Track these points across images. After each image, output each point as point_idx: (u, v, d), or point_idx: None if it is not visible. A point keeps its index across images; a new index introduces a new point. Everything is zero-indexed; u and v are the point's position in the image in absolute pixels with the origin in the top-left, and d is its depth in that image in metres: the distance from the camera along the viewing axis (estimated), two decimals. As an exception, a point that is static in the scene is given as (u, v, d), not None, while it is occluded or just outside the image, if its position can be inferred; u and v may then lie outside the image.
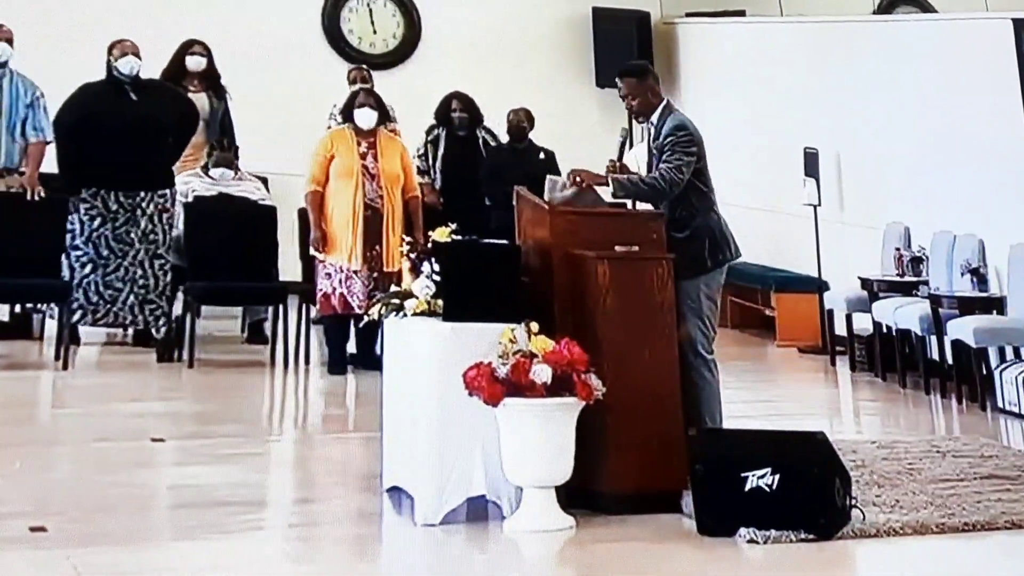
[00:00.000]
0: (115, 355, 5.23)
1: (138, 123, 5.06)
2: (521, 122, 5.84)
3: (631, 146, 3.60)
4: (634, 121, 3.84)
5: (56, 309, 4.98)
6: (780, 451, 2.97)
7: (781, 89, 6.54)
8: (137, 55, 5.14)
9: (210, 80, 5.75)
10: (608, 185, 3.36)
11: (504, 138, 5.97)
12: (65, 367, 4.81)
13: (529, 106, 6.05)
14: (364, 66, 6.30)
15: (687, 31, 7.32)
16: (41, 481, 3.38)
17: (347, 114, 5.02)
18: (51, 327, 5.10)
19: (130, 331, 5.32)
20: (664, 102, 3.49)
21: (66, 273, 5.07)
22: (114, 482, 3.35)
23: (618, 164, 3.48)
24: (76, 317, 5.03)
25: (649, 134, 3.52)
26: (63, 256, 5.06)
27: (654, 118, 3.47)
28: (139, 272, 5.09)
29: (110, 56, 5.14)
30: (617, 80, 3.55)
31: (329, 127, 5.79)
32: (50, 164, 5.26)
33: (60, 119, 5.13)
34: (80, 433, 3.96)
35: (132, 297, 5.07)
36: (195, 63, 5.75)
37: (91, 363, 5.10)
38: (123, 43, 5.15)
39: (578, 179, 3.36)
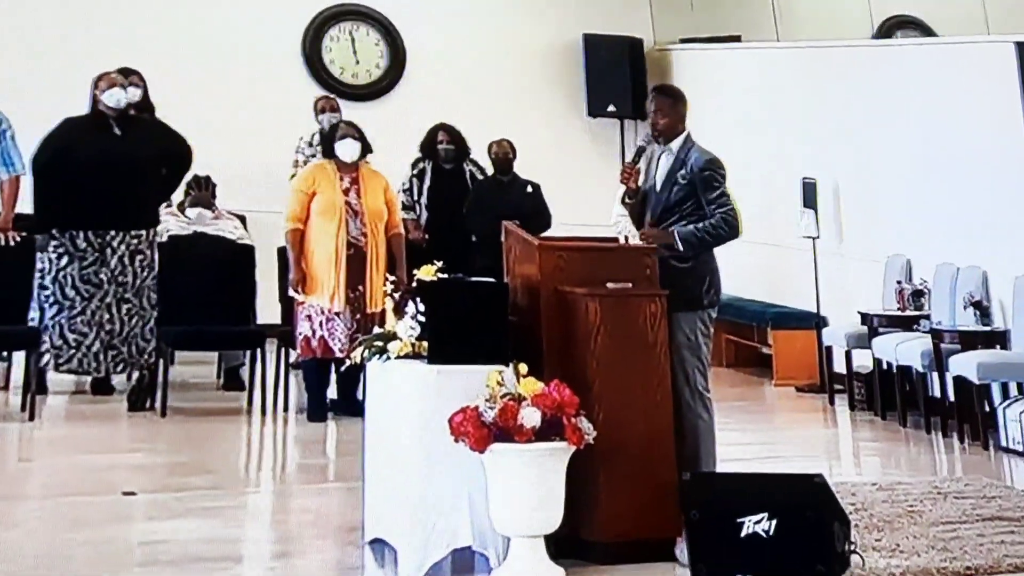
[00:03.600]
0: (84, 404, 5.25)
1: (116, 159, 5.09)
2: (507, 153, 5.92)
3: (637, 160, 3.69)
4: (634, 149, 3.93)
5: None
6: (777, 495, 3.02)
7: (778, 117, 6.66)
8: (124, 88, 5.18)
9: (145, 111, 5.71)
10: (676, 243, 3.44)
11: (490, 170, 6.06)
12: (32, 417, 4.82)
13: (518, 137, 6.17)
14: (332, 95, 6.38)
15: (681, 58, 7.49)
16: (7, 538, 3.39)
17: (328, 148, 5.08)
18: (18, 375, 5.13)
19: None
20: (687, 133, 3.60)
21: (35, 316, 5.09)
22: (83, 539, 3.37)
23: (635, 169, 3.59)
24: (44, 360, 5.04)
25: (657, 158, 3.62)
26: (33, 298, 5.09)
27: (674, 145, 3.59)
28: (106, 316, 5.10)
29: (95, 89, 5.18)
30: (651, 95, 3.69)
31: (296, 162, 5.88)
32: (24, 204, 5.31)
33: (37, 154, 5.17)
34: (47, 487, 3.98)
35: (98, 343, 5.08)
36: (130, 94, 5.83)
37: (59, 413, 5.11)
38: (109, 75, 5.19)
39: (649, 241, 3.44)
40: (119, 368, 5.21)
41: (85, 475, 4.10)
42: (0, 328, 4.96)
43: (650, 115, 3.64)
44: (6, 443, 4.64)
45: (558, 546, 3.11)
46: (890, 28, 7.32)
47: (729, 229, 3.51)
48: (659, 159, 3.65)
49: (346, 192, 4.95)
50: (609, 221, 3.57)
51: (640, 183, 3.62)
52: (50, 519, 3.59)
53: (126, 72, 5.68)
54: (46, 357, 5.06)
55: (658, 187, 3.61)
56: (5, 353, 5.36)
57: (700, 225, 3.52)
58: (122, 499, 3.83)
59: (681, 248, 3.48)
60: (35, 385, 4.93)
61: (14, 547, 3.31)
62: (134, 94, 5.58)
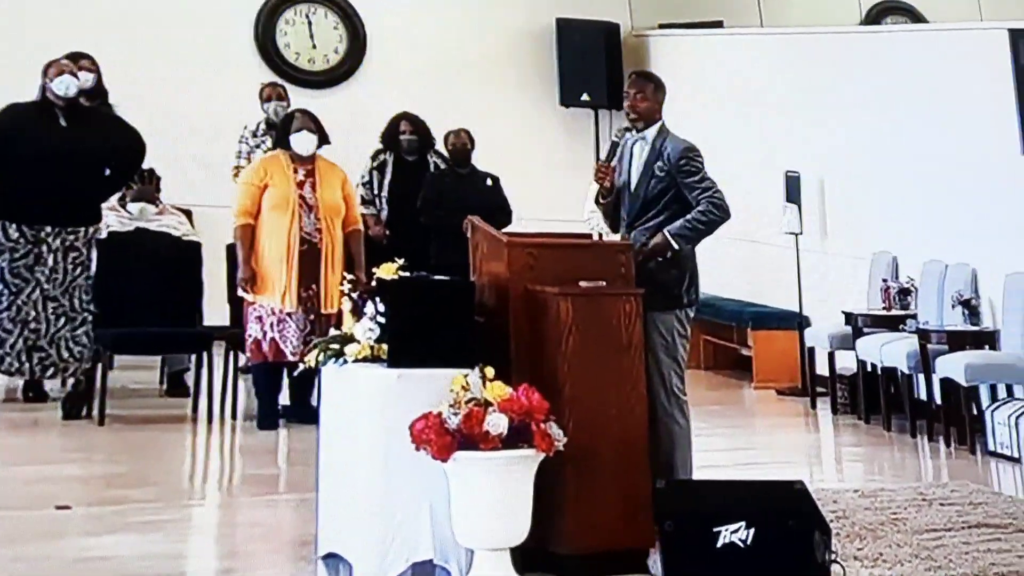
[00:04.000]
0: (14, 412, 5.18)
1: (59, 151, 5.02)
2: (465, 144, 5.91)
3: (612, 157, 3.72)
4: (608, 140, 3.93)
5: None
6: (755, 503, 3.07)
7: (760, 107, 6.71)
8: (75, 75, 5.11)
9: (99, 97, 5.69)
10: (671, 244, 3.47)
11: None
12: None
13: (486, 127, 6.20)
14: (280, 82, 6.33)
15: (659, 44, 7.52)
16: (-66, 554, 3.36)
17: (282, 139, 5.05)
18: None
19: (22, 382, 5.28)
20: (662, 122, 3.63)
21: None
22: (14, 555, 3.34)
23: (609, 167, 3.61)
24: None
25: (631, 146, 3.64)
26: None
27: (649, 134, 3.62)
28: (31, 314, 5.03)
29: (45, 77, 5.11)
30: (630, 78, 3.72)
31: (239, 152, 5.84)
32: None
33: None
34: (-25, 502, 3.94)
35: (21, 342, 5.01)
36: (82, 79, 5.79)
37: (-13, 421, 5.06)
38: (59, 63, 5.13)
39: (646, 252, 3.46)
40: (46, 373, 5.15)
41: (16, 488, 4.06)
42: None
43: (628, 99, 3.66)
44: (-66, 454, 4.60)
45: (525, 559, 3.13)
46: (879, 14, 7.44)
47: (720, 212, 3.53)
48: (632, 149, 3.66)
49: (300, 185, 4.93)
50: (582, 217, 3.61)
51: (615, 180, 3.64)
52: (-21, 535, 3.56)
53: (76, 56, 5.63)
54: None
55: (633, 182, 3.62)
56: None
57: (689, 216, 3.53)
58: (56, 513, 3.79)
59: (677, 247, 3.50)
60: None
61: (-58, 564, 3.29)
62: (86, 79, 5.53)
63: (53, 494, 3.96)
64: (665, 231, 3.52)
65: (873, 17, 7.45)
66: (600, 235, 3.62)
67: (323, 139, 5.05)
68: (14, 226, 5.06)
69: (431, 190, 5.87)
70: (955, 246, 5.32)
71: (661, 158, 3.59)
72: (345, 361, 3.30)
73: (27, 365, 5.10)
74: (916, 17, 7.44)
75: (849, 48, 6.31)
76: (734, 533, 3.04)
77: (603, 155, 3.84)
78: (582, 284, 3.32)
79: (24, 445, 4.68)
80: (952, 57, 5.56)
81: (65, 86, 5.07)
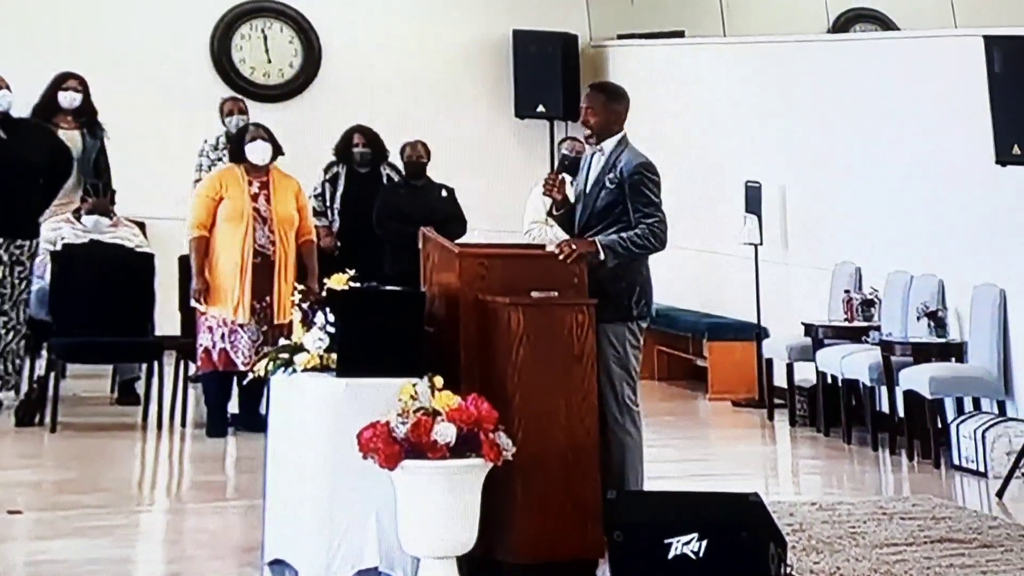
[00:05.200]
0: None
1: (2, 164, 5.13)
2: (420, 157, 5.99)
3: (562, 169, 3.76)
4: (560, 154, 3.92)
5: None
6: (708, 514, 3.09)
7: (722, 117, 6.76)
8: (8, 88, 5.22)
9: (86, 117, 5.82)
10: (599, 253, 3.44)
11: None
12: None
13: (441, 139, 6.29)
14: (240, 96, 6.45)
15: (618, 55, 7.58)
16: None
17: (237, 151, 5.14)
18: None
19: None
20: (623, 134, 3.64)
21: None
22: None
23: (559, 179, 3.62)
24: None
25: (589, 161, 3.65)
26: None
27: (607, 146, 3.60)
28: None
29: None
30: (585, 92, 3.70)
31: (200, 165, 5.90)
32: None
33: None
34: (-72, 506, 3.99)
35: None
36: (68, 99, 5.87)
37: (-59, 429, 5.13)
38: None
39: (568, 250, 3.45)
40: None
41: None
42: None
43: (582, 112, 3.68)
44: None
45: (471, 567, 3.19)
46: (847, 22, 7.41)
47: (656, 242, 3.52)
48: (591, 161, 3.70)
49: (255, 198, 5.03)
50: (522, 230, 3.65)
51: (572, 191, 3.67)
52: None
53: (65, 77, 5.79)
54: None
55: (587, 192, 3.66)
56: None
57: (625, 234, 3.53)
58: (7, 518, 3.87)
59: (603, 257, 3.50)
60: None
61: None
62: (75, 99, 5.71)
63: (5, 499, 4.03)
64: (597, 239, 3.54)
65: (841, 25, 7.47)
66: (544, 246, 3.64)
67: (277, 150, 5.15)
68: None
69: (385, 203, 5.96)
70: (921, 257, 5.37)
71: (614, 170, 3.59)
72: (294, 370, 3.37)
73: None
74: (887, 25, 7.44)
75: (815, 57, 6.36)
76: (686, 545, 3.06)
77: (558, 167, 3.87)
78: (534, 294, 3.39)
79: (-24, 452, 4.75)
80: (923, 65, 5.60)
81: (8, 101, 5.18)
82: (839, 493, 4.62)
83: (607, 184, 3.60)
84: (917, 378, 4.92)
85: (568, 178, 3.74)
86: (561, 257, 3.46)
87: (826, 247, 6.03)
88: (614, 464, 3.54)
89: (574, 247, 3.49)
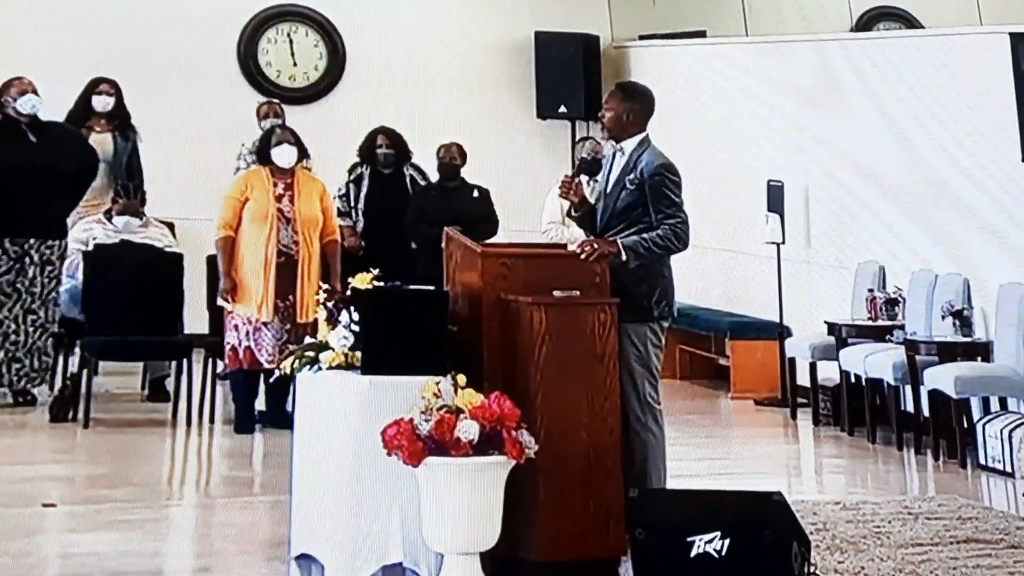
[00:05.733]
0: (4, 415, 5.33)
1: (34, 166, 5.25)
2: (454, 159, 6.03)
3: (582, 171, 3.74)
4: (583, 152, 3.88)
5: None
6: (731, 513, 3.07)
7: (744, 116, 6.73)
8: (36, 93, 5.33)
9: (119, 120, 5.92)
10: (620, 254, 3.44)
11: (433, 175, 6.16)
12: None
13: (464, 140, 6.24)
14: (276, 100, 6.55)
15: (640, 55, 7.57)
16: (-75, 550, 3.49)
17: (263, 154, 5.21)
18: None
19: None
20: (644, 134, 3.63)
21: None
22: (3, 550, 3.47)
23: (574, 181, 3.61)
24: None
25: (611, 161, 3.66)
26: None
27: (627, 146, 3.60)
28: (12, 327, 5.25)
29: (7, 95, 5.33)
30: (611, 91, 3.68)
31: (238, 168, 5.99)
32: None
33: None
34: (-34, 499, 4.08)
35: (1, 353, 5.23)
36: (102, 103, 5.98)
37: (-23, 424, 5.24)
38: (21, 81, 5.36)
39: (590, 249, 3.44)
40: (21, 382, 5.35)
41: (5, 486, 4.21)
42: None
43: (602, 112, 3.68)
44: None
45: (494, 564, 3.20)
46: (870, 20, 7.32)
47: (678, 242, 3.51)
48: (612, 161, 3.69)
49: (279, 199, 5.09)
50: (540, 230, 3.64)
51: (593, 193, 3.67)
52: (-30, 530, 3.69)
53: (98, 81, 5.91)
54: None
55: (608, 192, 3.66)
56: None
57: (647, 235, 3.52)
58: (42, 511, 3.95)
59: (624, 258, 3.49)
60: None
61: (-68, 560, 3.41)
62: (107, 103, 5.84)
63: (40, 493, 4.13)
64: (619, 239, 3.53)
65: (864, 23, 7.40)
66: (565, 246, 3.63)
67: (302, 153, 5.22)
68: None
69: (416, 206, 6.01)
70: (946, 255, 5.32)
71: (635, 171, 3.58)
72: (320, 368, 3.39)
73: (6, 377, 5.30)
74: (911, 23, 7.33)
75: (837, 56, 6.32)
76: (708, 543, 3.04)
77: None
78: (556, 294, 3.38)
79: (13, 446, 4.84)
80: (948, 63, 5.55)
81: (31, 104, 5.28)
82: (863, 493, 4.60)
83: (627, 185, 3.59)
84: (942, 377, 4.88)
85: (586, 179, 3.72)
86: (583, 256, 3.46)
87: (849, 246, 6.00)
88: (636, 463, 3.53)
89: (596, 246, 3.48)
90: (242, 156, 6.13)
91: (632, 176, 3.58)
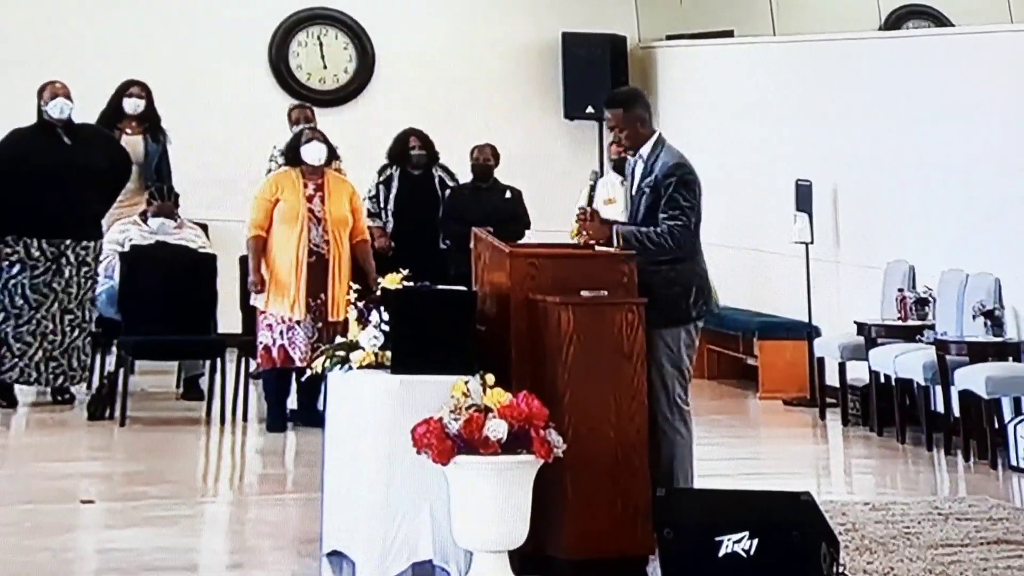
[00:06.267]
0: (44, 413, 5.44)
1: (68, 168, 5.34)
2: (487, 160, 6.09)
3: (600, 175, 3.73)
4: (611, 155, 3.88)
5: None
6: (759, 513, 3.06)
7: (771, 115, 6.68)
8: (69, 97, 5.43)
9: (149, 123, 6.00)
10: (613, 240, 3.45)
11: (462, 176, 6.20)
12: None
13: (492, 140, 6.29)
14: (307, 104, 6.60)
15: (667, 55, 7.53)
16: (-33, 545, 3.55)
17: (293, 155, 5.25)
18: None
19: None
20: (656, 135, 3.60)
21: None
22: (42, 545, 3.54)
23: (588, 211, 3.59)
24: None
25: (631, 170, 3.64)
26: None
27: (644, 151, 3.58)
28: (50, 327, 5.34)
29: (40, 99, 5.43)
30: (605, 110, 3.65)
31: (269, 170, 6.06)
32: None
33: None
34: (7, 495, 4.15)
35: (40, 352, 5.31)
36: (132, 105, 6.06)
37: (20, 421, 5.32)
38: (54, 85, 5.44)
39: (584, 237, 3.45)
40: (59, 380, 5.44)
41: (44, 483, 4.29)
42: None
43: (612, 134, 3.64)
44: (-32, 451, 4.85)
45: (522, 562, 3.21)
46: (899, 19, 7.25)
47: (672, 242, 3.47)
48: (634, 168, 3.67)
49: (309, 199, 5.14)
50: (571, 232, 3.63)
51: (623, 192, 3.67)
52: (9, 526, 3.75)
53: (129, 84, 6.00)
54: (6, 365, 5.27)
55: (632, 198, 3.65)
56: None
57: (644, 229, 3.49)
58: (80, 507, 4.02)
59: (617, 244, 3.46)
60: (0, 397, 5.17)
61: (-27, 553, 3.47)
62: (138, 105, 5.92)
63: (78, 489, 4.20)
64: (615, 226, 3.51)
65: (893, 22, 7.31)
66: (592, 246, 3.61)
67: (332, 153, 5.26)
68: (35, 243, 5.34)
69: (449, 205, 6.05)
70: (976, 254, 5.25)
71: (651, 174, 3.56)
72: (350, 367, 3.42)
73: (45, 375, 5.39)
74: (940, 21, 7.23)
75: (866, 54, 6.27)
76: (736, 543, 3.03)
77: (605, 172, 3.81)
78: (583, 294, 3.38)
79: (52, 443, 4.93)
80: (978, 61, 5.49)
81: (59, 108, 5.36)
82: (893, 493, 4.56)
83: (644, 189, 3.58)
84: (973, 378, 4.83)
85: (619, 178, 3.69)
86: (580, 241, 3.44)
87: (879, 245, 5.94)
88: (664, 462, 3.53)
89: (590, 232, 3.46)
90: (273, 158, 6.19)
91: (649, 180, 3.56)
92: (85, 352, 5.42)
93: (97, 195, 5.45)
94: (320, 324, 5.03)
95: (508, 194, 6.07)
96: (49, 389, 5.53)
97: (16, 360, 5.30)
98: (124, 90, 6.07)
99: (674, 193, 3.50)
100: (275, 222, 5.10)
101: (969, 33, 5.92)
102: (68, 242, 5.36)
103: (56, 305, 5.33)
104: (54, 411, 5.44)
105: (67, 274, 5.36)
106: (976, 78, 5.47)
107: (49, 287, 5.34)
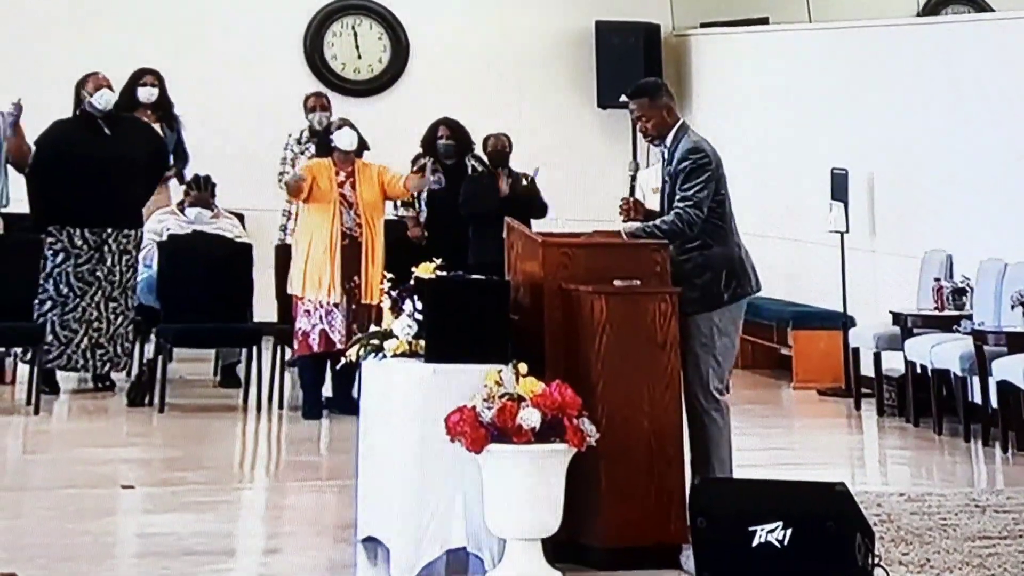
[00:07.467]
0: (85, 400, 5.53)
1: (110, 159, 5.42)
2: (504, 147, 6.09)
3: (644, 166, 3.71)
4: (646, 144, 3.87)
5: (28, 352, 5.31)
6: (793, 503, 3.03)
7: (807, 104, 6.61)
8: (111, 88, 5.49)
9: (163, 110, 6.05)
10: (623, 236, 3.45)
11: None
12: (36, 412, 5.13)
13: (525, 130, 6.35)
14: (323, 92, 6.59)
15: (701, 43, 7.46)
16: (10, 528, 3.62)
17: (323, 145, 5.30)
18: (23, 371, 5.44)
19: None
20: (679, 123, 3.57)
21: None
22: (83, 529, 3.59)
23: (631, 201, 3.58)
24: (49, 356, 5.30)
25: (663, 158, 3.63)
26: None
27: (668, 140, 3.56)
28: (95, 314, 5.42)
29: (83, 90, 5.49)
30: (628, 101, 3.63)
31: (283, 159, 6.07)
32: (20, 204, 5.59)
33: (35, 156, 5.42)
34: (49, 479, 4.23)
35: (86, 340, 5.39)
36: (146, 94, 6.10)
37: (62, 408, 5.41)
38: (97, 76, 5.50)
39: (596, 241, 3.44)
40: (105, 367, 5.53)
41: (86, 468, 4.35)
42: (5, 324, 5.22)
43: (637, 124, 3.61)
44: (12, 437, 4.92)
45: (556, 550, 3.19)
46: (937, 4, 7.13)
47: (682, 225, 3.44)
48: (662, 158, 3.65)
49: (341, 185, 5.19)
50: (618, 222, 3.59)
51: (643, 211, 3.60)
52: (52, 510, 3.81)
53: (142, 72, 6.03)
54: (53, 353, 5.35)
55: (662, 188, 3.62)
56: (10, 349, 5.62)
57: (654, 223, 3.48)
58: (121, 492, 4.07)
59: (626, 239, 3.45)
60: (43, 383, 5.22)
61: (17, 536, 3.54)
62: (152, 93, 5.96)
63: (118, 474, 4.26)
64: (621, 229, 3.50)
65: (931, 8, 7.18)
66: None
67: (362, 144, 5.29)
68: (78, 232, 5.43)
69: (468, 187, 6.07)
70: (1015, 243, 5.17)
71: (672, 161, 3.55)
72: (384, 356, 3.43)
73: (91, 362, 5.48)
74: (979, 6, 7.10)
75: (903, 41, 6.17)
76: (771, 533, 3.01)
77: (650, 154, 3.80)
78: (616, 283, 3.37)
79: (93, 429, 5.01)
80: (1019, 47, 5.38)
81: (105, 100, 5.43)
82: (929, 484, 4.51)
83: (667, 177, 3.57)
84: (1012, 368, 4.75)
85: (657, 170, 3.65)
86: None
87: (915, 234, 5.86)
88: (700, 451, 3.50)
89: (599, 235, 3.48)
90: (288, 146, 6.21)
91: (670, 168, 3.55)
92: (128, 339, 5.50)
93: (137, 184, 5.52)
94: (354, 306, 5.06)
95: (524, 180, 6.04)
96: (90, 376, 5.61)
97: (63, 348, 5.38)
98: (137, 79, 6.09)
99: (686, 177, 3.48)
100: (309, 209, 5.14)
101: (1010, 19, 5.80)
102: (110, 231, 5.44)
103: (100, 293, 5.41)
104: (95, 398, 5.53)
105: (110, 262, 5.45)
106: (1016, 64, 5.38)
107: (93, 275, 5.42)
